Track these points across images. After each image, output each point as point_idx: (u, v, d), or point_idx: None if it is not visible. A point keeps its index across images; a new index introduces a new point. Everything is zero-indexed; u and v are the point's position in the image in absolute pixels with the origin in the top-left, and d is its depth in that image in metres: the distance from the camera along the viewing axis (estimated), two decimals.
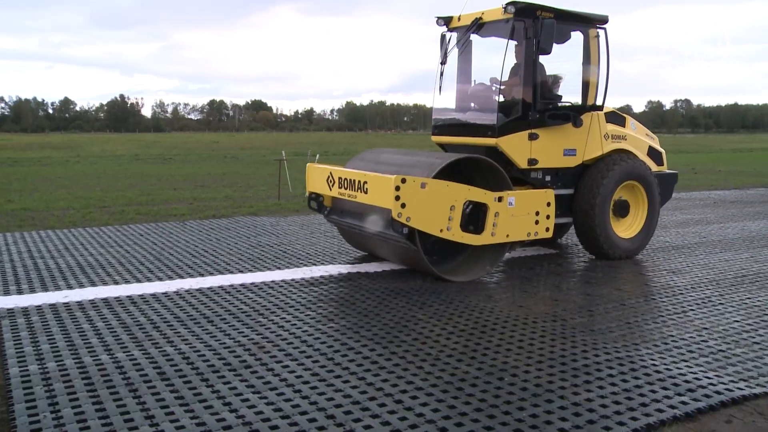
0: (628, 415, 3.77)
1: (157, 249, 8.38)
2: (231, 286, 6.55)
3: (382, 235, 6.72)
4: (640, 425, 3.66)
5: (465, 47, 8.01)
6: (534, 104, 7.28)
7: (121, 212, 11.94)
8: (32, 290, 6.36)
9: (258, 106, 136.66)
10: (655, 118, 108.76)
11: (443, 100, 8.29)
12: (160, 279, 6.80)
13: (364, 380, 4.18)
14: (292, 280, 6.82)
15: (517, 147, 7.31)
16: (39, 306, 5.80)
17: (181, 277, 6.91)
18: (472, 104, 7.98)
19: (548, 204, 7.04)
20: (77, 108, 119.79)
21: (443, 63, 8.16)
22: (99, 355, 4.59)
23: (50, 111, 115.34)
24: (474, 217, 6.67)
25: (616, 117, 8.17)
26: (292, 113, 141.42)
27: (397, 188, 6.19)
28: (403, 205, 6.23)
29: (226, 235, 9.44)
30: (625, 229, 8.16)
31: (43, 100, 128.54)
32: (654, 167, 8.52)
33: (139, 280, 6.75)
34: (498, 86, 7.45)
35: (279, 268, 7.31)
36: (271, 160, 27.79)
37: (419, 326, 5.27)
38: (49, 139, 56.47)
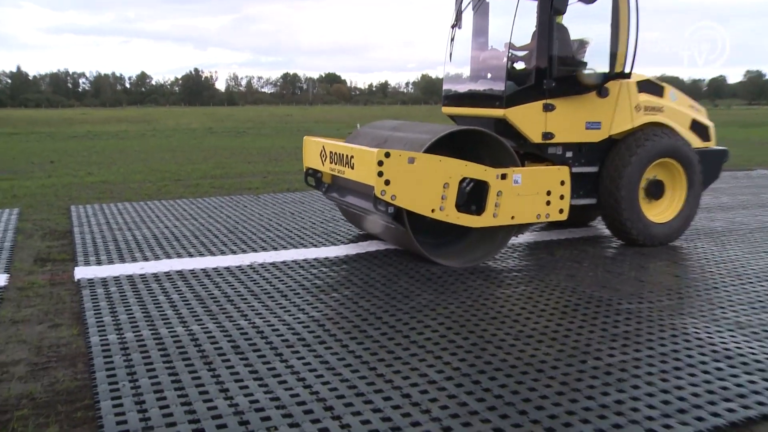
0: (724, 406, 3.59)
1: (231, 222, 8.54)
2: (305, 260, 6.62)
3: (373, 215, 6.46)
4: (739, 418, 3.44)
5: (480, 8, 7.51)
6: (549, 71, 6.69)
7: (196, 185, 12.23)
8: (110, 261, 6.58)
9: (331, 79, 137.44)
10: (755, 89, 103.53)
11: (455, 68, 7.78)
12: (234, 252, 6.93)
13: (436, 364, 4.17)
14: (366, 253, 6.87)
15: (529, 119, 6.76)
16: (116, 277, 6.00)
17: (255, 250, 7.02)
18: (484, 72, 7.40)
19: (562, 183, 6.54)
20: (153, 82, 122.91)
21: (456, 26, 7.62)
22: (174, 327, 4.71)
23: (127, 85, 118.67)
24: (477, 196, 6.29)
25: (651, 86, 7.46)
26: (366, 86, 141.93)
27: (380, 163, 5.82)
28: (387, 182, 5.86)
29: (300, 209, 9.55)
30: (660, 212, 7.43)
31: (121, 75, 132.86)
32: (698, 143, 7.75)
33: (213, 253, 6.89)
34: (509, 51, 6.87)
35: (354, 242, 7.36)
36: (345, 133, 27.94)
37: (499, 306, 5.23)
38: (126, 113, 58.17)
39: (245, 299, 5.37)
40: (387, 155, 5.82)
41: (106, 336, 4.54)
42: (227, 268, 6.30)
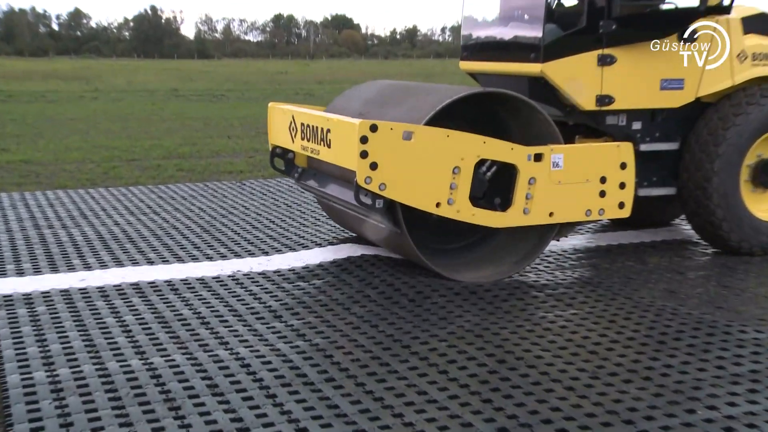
0: None
1: (206, 218, 8.61)
2: (305, 267, 6.66)
3: (357, 210, 6.40)
4: None
5: None
6: (608, 9, 6.53)
7: (157, 167, 12.33)
8: (37, 271, 6.61)
9: (340, 23, 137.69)
10: None
11: (477, 7, 7.70)
12: (210, 258, 6.98)
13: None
14: (387, 256, 6.92)
15: (577, 76, 6.59)
16: (46, 292, 6.02)
17: (239, 255, 7.06)
18: (516, 12, 7.23)
19: (623, 166, 6.37)
20: (93, 24, 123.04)
21: None
22: (128, 359, 4.72)
23: (55, 27, 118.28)
24: (501, 186, 6.24)
25: (765, 24, 7.19)
26: (388, 34, 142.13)
27: (364, 140, 5.67)
28: (373, 165, 5.72)
29: (298, 199, 9.61)
30: None
31: (46, 12, 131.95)
32: None
33: (181, 260, 6.94)
34: None
35: (368, 241, 7.40)
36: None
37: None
38: (55, 66, 58.02)
39: (225, 321, 5.39)
40: (373, 129, 5.69)
41: (31, 374, 4.54)
42: (201, 280, 6.33)
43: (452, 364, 4.67)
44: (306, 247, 7.29)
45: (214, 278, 6.37)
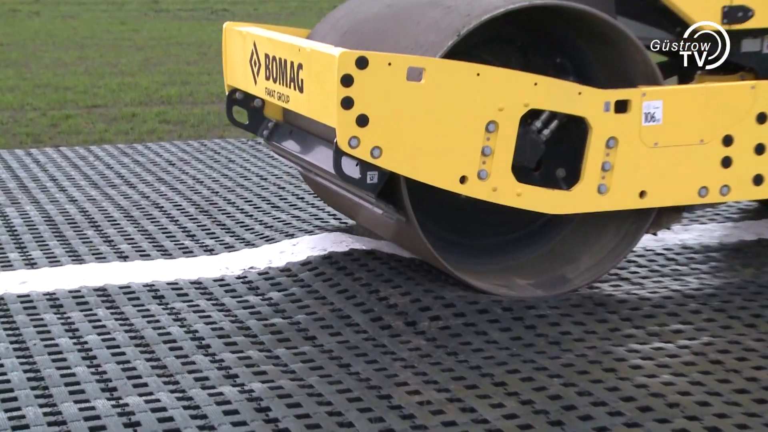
0: None
1: (204, 192, 8.76)
2: (348, 253, 6.73)
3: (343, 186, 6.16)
4: None
5: None
6: None
7: (131, 118, 12.49)
8: None
9: None
10: None
11: None
12: (211, 251, 7.08)
13: None
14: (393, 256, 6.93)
15: None
16: None
17: (252, 244, 7.17)
18: None
19: (761, 118, 6.24)
20: None
21: None
22: (91, 398, 4.76)
23: None
24: (564, 151, 6.15)
25: None
26: None
27: (347, 80, 5.42)
28: (362, 120, 5.50)
29: None
30: None
31: None
32: None
33: (168, 254, 7.06)
34: None
35: None
36: None
37: None
38: None
39: (233, 343, 5.46)
40: (361, 63, 5.42)
41: None
42: (197, 283, 6.41)
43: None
44: (347, 233, 7.32)
45: (216, 280, 6.46)
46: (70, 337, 5.52)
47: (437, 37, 5.71)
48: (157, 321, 5.77)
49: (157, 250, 7.06)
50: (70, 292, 6.22)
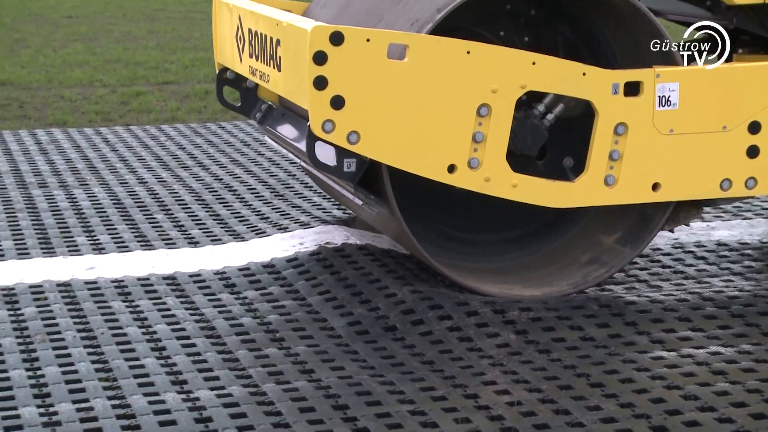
0: None
1: (281, 173, 8.67)
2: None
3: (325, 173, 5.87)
4: None
5: None
6: None
7: (204, 95, 12.43)
8: (24, 254, 6.74)
9: None
10: None
11: None
12: (285, 230, 7.01)
13: None
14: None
15: None
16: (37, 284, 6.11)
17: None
18: None
19: None
20: None
21: None
22: (165, 391, 4.72)
23: None
24: (569, 138, 5.93)
25: None
26: None
27: (320, 58, 5.23)
28: (337, 102, 5.31)
29: None
30: None
31: None
32: None
33: (240, 237, 6.99)
34: None
35: None
36: None
37: None
38: None
39: (305, 336, 5.41)
40: (336, 39, 5.20)
41: None
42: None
43: None
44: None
45: (288, 261, 6.42)
46: (139, 326, 5.51)
47: (421, 13, 5.54)
48: (229, 311, 5.74)
49: (230, 235, 7.06)
50: (139, 279, 6.22)
